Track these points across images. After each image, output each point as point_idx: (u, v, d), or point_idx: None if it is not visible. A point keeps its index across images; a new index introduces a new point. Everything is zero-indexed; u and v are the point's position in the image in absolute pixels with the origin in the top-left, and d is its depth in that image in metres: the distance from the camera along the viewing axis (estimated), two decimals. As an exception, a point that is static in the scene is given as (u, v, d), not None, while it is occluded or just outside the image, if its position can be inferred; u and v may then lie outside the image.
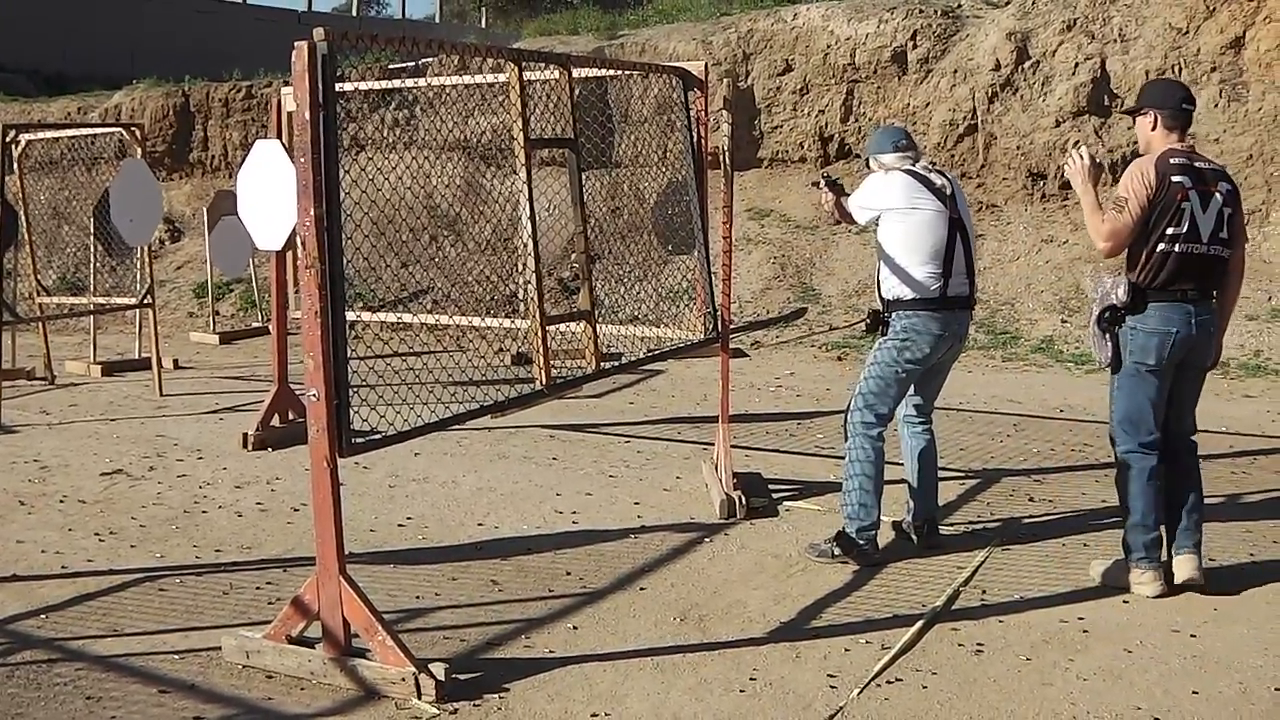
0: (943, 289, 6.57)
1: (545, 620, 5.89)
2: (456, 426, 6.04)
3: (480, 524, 7.52)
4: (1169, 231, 5.89)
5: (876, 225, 6.73)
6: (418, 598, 6.20)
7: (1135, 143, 13.67)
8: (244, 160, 8.64)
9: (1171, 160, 5.96)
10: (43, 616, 6.04)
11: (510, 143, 6.61)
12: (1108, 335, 6.05)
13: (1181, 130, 6.10)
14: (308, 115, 4.92)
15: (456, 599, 6.19)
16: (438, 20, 41.72)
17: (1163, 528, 6.17)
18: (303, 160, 4.96)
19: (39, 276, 13.68)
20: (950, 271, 6.57)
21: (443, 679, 5.01)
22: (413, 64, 16.50)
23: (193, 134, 21.02)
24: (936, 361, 6.78)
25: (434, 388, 6.28)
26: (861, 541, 6.60)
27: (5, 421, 10.53)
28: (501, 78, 8.54)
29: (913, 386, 6.88)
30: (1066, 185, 15.12)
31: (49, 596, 6.31)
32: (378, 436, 5.41)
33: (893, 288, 6.63)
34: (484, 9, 41.21)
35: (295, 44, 4.93)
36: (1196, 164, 6.03)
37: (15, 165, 12.82)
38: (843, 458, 6.79)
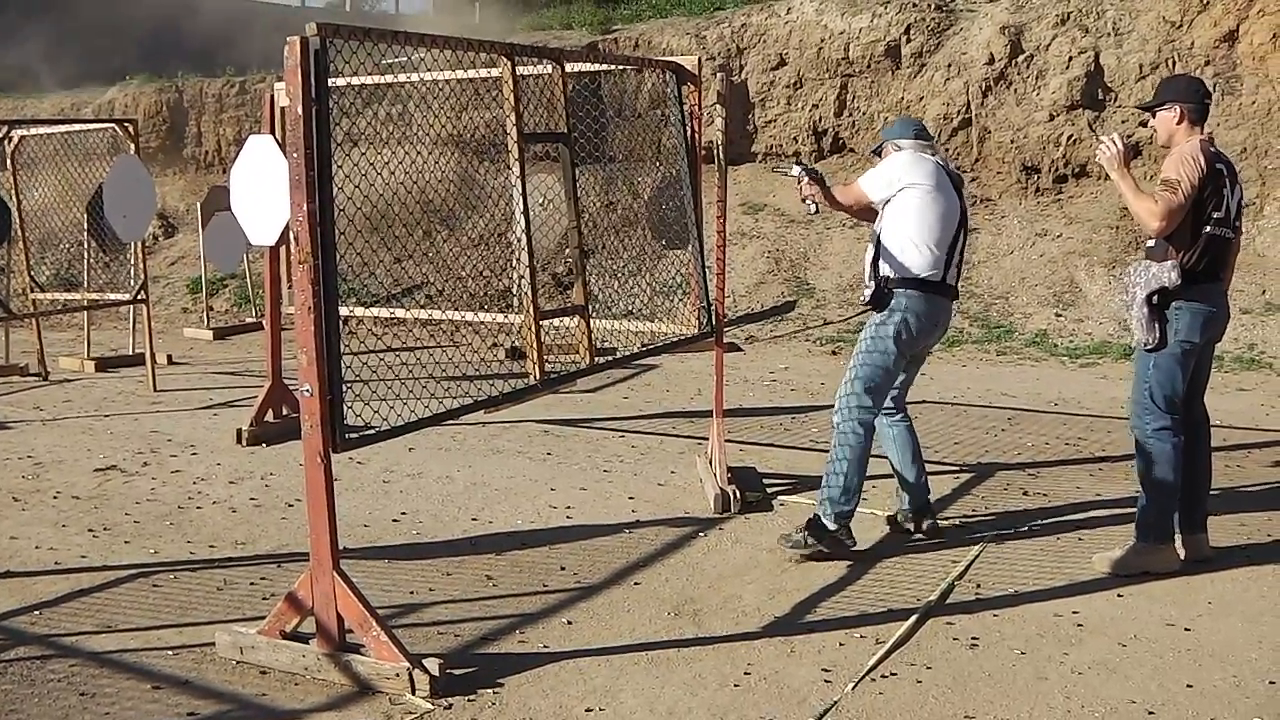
0: (944, 275, 6.60)
1: (540, 615, 5.88)
2: (450, 422, 6.03)
3: (474, 519, 7.51)
4: (1214, 216, 6.11)
5: (885, 203, 6.65)
6: (412, 593, 6.19)
7: (1130, 136, 13.73)
8: (237, 156, 8.63)
9: (1210, 149, 6.16)
10: (36, 613, 6.02)
11: (503, 137, 6.60)
12: (1155, 318, 6.13)
13: (1202, 124, 6.27)
14: (300, 110, 4.91)
15: (451, 594, 6.18)
16: (431, 14, 41.51)
17: None
18: (295, 155, 4.94)
19: (32, 273, 13.66)
20: (952, 262, 6.64)
21: (437, 674, 5.00)
22: (405, 59, 16.49)
23: (186, 129, 21.04)
24: (921, 350, 6.84)
25: (428, 383, 6.25)
26: (835, 528, 6.51)
27: (-1, 418, 10.54)
28: (495, 72, 8.52)
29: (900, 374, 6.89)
30: (1061, 179, 15.17)
31: (43, 593, 6.29)
32: (371, 432, 5.39)
33: (897, 266, 6.55)
34: (477, 4, 41.12)
35: (288, 39, 4.92)
36: (1223, 154, 6.28)
37: (8, 161, 12.80)
38: (839, 452, 6.76)
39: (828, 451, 6.64)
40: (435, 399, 5.86)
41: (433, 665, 5.02)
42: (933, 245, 6.53)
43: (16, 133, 13.28)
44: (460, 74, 8.15)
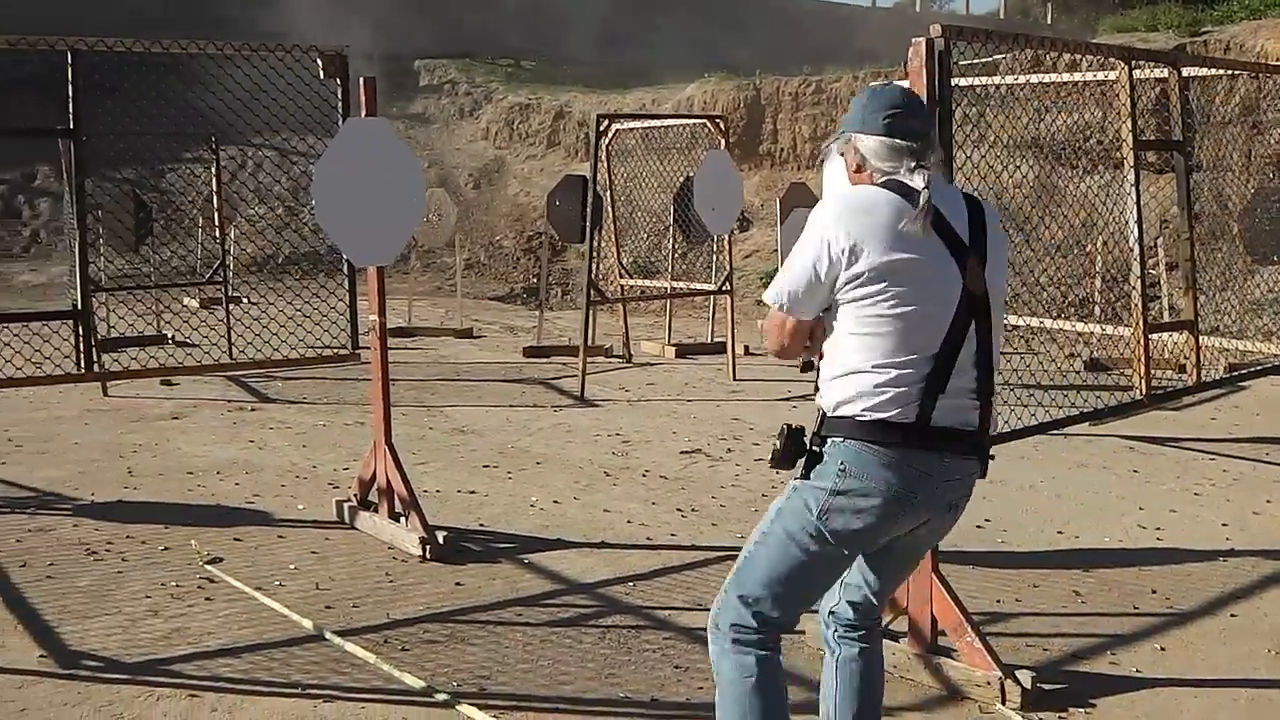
0: (921, 410, 3.61)
1: (1130, 638, 5.70)
2: (1055, 432, 5.92)
3: (1060, 532, 7.37)
4: None
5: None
6: (998, 601, 6.12)
7: None
8: (812, 153, 8.79)
9: None
10: (630, 584, 6.34)
11: (1085, 142, 6.43)
12: None
13: None
14: (924, 110, 4.93)
15: (1038, 607, 6.08)
16: (1001, 16, 41.14)
17: None
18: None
19: (621, 260, 14.36)
20: (944, 384, 3.65)
21: (1029, 686, 4.93)
22: (982, 60, 16.37)
23: (762, 127, 21.57)
24: (897, 538, 3.84)
25: (1017, 391, 6.14)
26: None
27: (588, 395, 11.11)
28: (1077, 76, 8.35)
29: (866, 568, 4.00)
30: None
31: (635, 565, 6.62)
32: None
33: (833, 395, 3.67)
34: (1049, 5, 40.46)
35: (912, 40, 4.99)
36: None
37: (604, 152, 13.49)
38: None
39: None
40: (1043, 407, 5.77)
41: (1025, 677, 4.96)
42: (897, 357, 3.58)
43: (615, 126, 13.97)
44: (1077, 76, 8.01)
